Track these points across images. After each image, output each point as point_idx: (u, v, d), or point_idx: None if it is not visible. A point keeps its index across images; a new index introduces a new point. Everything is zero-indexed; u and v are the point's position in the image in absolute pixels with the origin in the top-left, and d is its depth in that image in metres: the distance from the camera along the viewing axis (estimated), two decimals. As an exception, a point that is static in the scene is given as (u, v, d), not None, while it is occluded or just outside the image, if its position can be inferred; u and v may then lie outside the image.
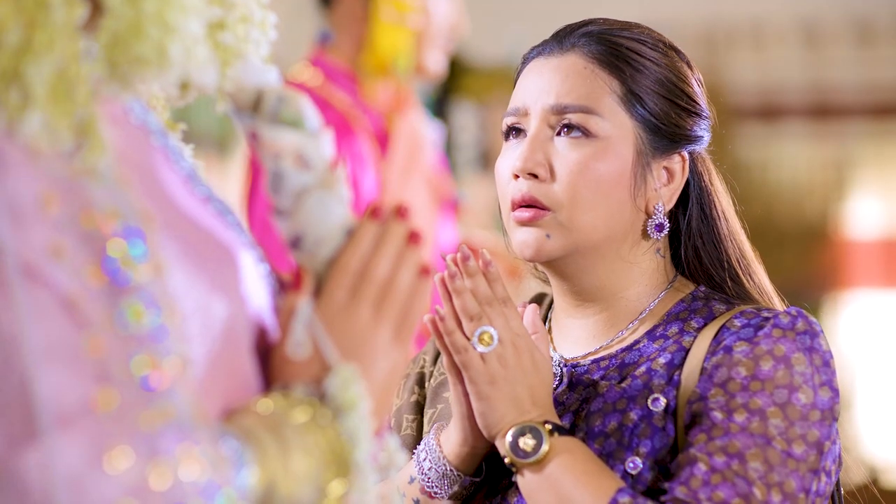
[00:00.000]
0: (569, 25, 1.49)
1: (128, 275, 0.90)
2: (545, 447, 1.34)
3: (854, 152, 5.90)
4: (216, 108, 1.08)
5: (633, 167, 1.43)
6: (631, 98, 1.43)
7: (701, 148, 1.49)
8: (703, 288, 1.47)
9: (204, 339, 0.96)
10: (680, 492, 1.30)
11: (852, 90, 5.84)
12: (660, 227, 1.45)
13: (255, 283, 1.06)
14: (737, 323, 1.38)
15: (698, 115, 1.48)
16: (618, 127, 1.43)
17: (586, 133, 1.42)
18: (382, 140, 2.92)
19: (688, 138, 1.46)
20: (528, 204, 1.42)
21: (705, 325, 1.42)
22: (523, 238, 1.43)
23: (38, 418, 0.86)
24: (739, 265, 1.47)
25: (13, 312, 0.87)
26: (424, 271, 1.08)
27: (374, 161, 2.88)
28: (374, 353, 1.04)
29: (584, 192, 1.41)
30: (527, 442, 1.35)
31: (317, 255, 1.06)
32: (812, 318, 1.38)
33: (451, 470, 1.42)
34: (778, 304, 1.48)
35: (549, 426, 1.35)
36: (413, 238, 1.08)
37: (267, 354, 1.04)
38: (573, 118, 1.42)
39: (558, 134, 1.43)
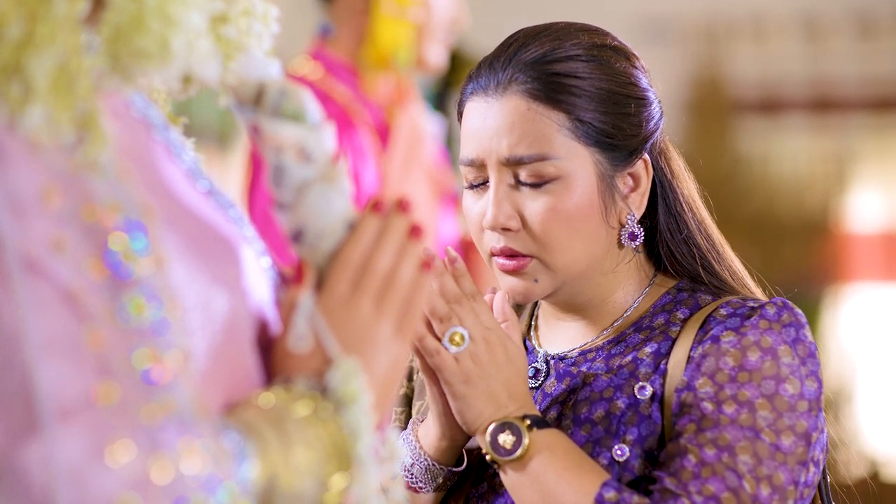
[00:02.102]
0: (499, 50, 1.45)
1: (129, 268, 0.90)
2: (525, 442, 1.35)
3: (855, 146, 5.89)
4: (218, 102, 1.08)
5: (600, 192, 1.42)
6: (580, 126, 1.41)
7: (658, 135, 1.47)
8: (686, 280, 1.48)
9: (205, 333, 0.96)
10: (669, 483, 1.31)
11: (853, 83, 5.83)
12: (633, 236, 1.45)
13: (256, 276, 1.06)
14: (723, 312, 1.40)
15: (647, 107, 1.45)
16: (575, 160, 1.41)
17: (547, 178, 1.41)
18: (383, 133, 2.92)
19: (645, 139, 1.45)
20: (509, 254, 1.42)
21: (691, 315, 1.43)
22: (511, 286, 1.43)
23: (39, 411, 0.86)
24: (710, 254, 1.48)
25: (14, 306, 0.87)
26: (426, 265, 1.08)
27: (375, 154, 2.88)
28: (375, 346, 1.04)
29: (558, 236, 1.41)
30: (506, 439, 1.35)
31: (318, 249, 1.06)
32: (797, 310, 1.40)
33: (432, 464, 1.43)
34: (751, 285, 1.49)
35: (527, 421, 1.36)
36: (414, 231, 1.08)
37: (268, 348, 1.05)
38: (531, 168, 1.41)
39: (519, 180, 1.42)
